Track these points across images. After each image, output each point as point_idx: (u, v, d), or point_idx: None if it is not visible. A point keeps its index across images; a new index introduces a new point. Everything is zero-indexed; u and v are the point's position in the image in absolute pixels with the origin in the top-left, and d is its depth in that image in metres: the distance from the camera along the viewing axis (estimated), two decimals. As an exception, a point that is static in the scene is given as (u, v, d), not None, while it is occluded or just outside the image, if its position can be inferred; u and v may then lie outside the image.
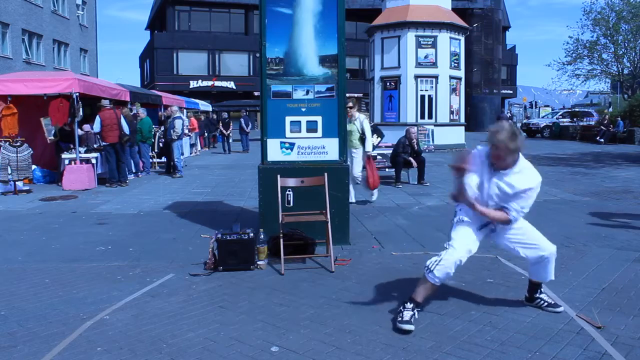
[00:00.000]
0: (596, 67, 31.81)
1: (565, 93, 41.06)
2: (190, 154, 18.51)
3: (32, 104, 11.44)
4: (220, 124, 21.57)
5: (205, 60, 41.39)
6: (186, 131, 16.94)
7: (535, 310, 3.64)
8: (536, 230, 3.59)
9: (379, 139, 9.83)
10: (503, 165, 3.36)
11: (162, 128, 14.36)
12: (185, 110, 19.09)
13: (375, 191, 8.15)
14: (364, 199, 8.23)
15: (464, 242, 3.44)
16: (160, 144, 14.66)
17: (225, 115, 22.59)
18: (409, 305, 3.44)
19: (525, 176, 3.37)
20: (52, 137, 11.12)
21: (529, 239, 3.55)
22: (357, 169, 8.01)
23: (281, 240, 4.74)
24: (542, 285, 3.75)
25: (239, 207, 8.05)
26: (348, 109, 7.53)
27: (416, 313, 3.45)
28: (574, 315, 3.54)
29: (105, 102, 11.04)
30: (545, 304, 3.69)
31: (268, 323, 3.52)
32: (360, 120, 8.09)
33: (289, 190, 5.32)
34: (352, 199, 7.79)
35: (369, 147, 8.10)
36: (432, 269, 3.39)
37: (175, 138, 12.52)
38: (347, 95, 5.97)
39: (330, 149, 5.55)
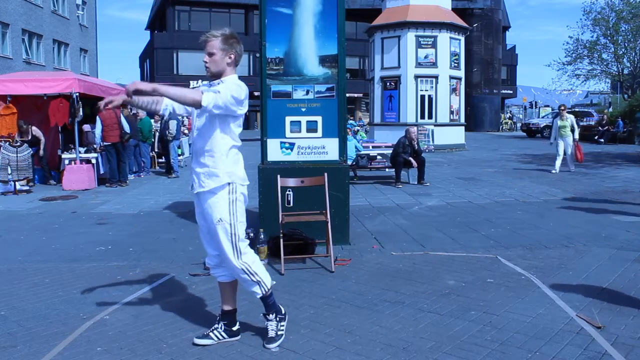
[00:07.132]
0: (596, 67, 31.81)
1: (565, 93, 40.98)
2: (191, 153, 18.51)
3: (32, 104, 11.43)
4: None
5: (205, 60, 41.37)
6: (186, 131, 16.94)
7: (535, 310, 3.64)
8: (229, 235, 3.03)
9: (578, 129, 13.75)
10: (213, 71, 3.12)
11: (158, 125, 14.26)
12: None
13: (573, 165, 12.28)
14: (567, 170, 12.06)
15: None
16: (158, 144, 14.60)
17: None
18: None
19: (226, 83, 3.06)
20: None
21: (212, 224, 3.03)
22: (569, 149, 12.20)
23: (281, 240, 4.74)
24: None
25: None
26: (561, 110, 12.52)
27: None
28: (574, 315, 3.53)
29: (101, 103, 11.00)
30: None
31: (268, 323, 3.52)
32: (571, 119, 12.30)
33: (289, 190, 5.32)
34: (557, 169, 12.03)
35: (576, 135, 12.29)
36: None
37: (170, 139, 12.49)
38: (347, 95, 5.98)
39: (330, 149, 5.55)
